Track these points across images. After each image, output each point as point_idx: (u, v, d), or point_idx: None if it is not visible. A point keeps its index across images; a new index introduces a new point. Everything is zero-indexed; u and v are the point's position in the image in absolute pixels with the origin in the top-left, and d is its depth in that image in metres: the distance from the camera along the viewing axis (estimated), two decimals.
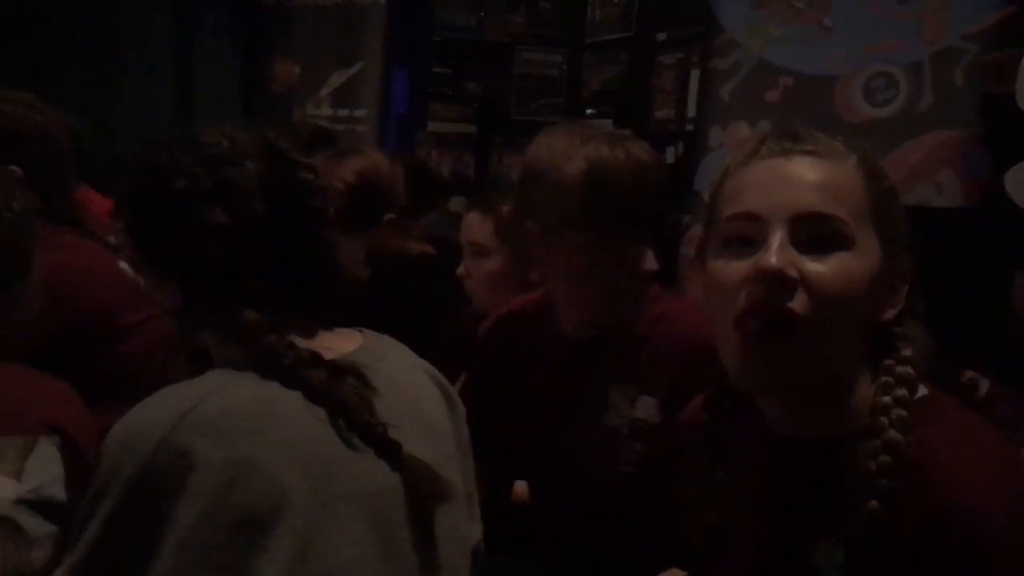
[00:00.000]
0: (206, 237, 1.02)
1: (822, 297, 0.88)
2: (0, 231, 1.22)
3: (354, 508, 1.00)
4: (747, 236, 0.92)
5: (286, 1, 4.68)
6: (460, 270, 2.00)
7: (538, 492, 1.56)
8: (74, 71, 5.29)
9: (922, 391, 0.94)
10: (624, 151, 1.39)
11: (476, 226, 2.00)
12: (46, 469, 1.18)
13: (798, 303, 0.88)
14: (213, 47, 5.36)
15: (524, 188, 1.45)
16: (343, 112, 4.52)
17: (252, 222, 1.04)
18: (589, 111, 4.08)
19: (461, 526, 1.11)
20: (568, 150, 1.38)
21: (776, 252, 0.88)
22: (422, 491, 1.04)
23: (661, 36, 3.57)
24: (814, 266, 0.89)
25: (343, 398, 1.02)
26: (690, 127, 3.31)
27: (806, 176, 0.92)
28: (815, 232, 0.90)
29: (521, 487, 1.65)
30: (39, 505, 1.17)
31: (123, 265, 1.83)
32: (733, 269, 0.91)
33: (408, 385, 1.12)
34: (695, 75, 3.32)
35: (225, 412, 0.97)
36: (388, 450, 1.03)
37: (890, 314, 0.95)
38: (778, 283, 0.88)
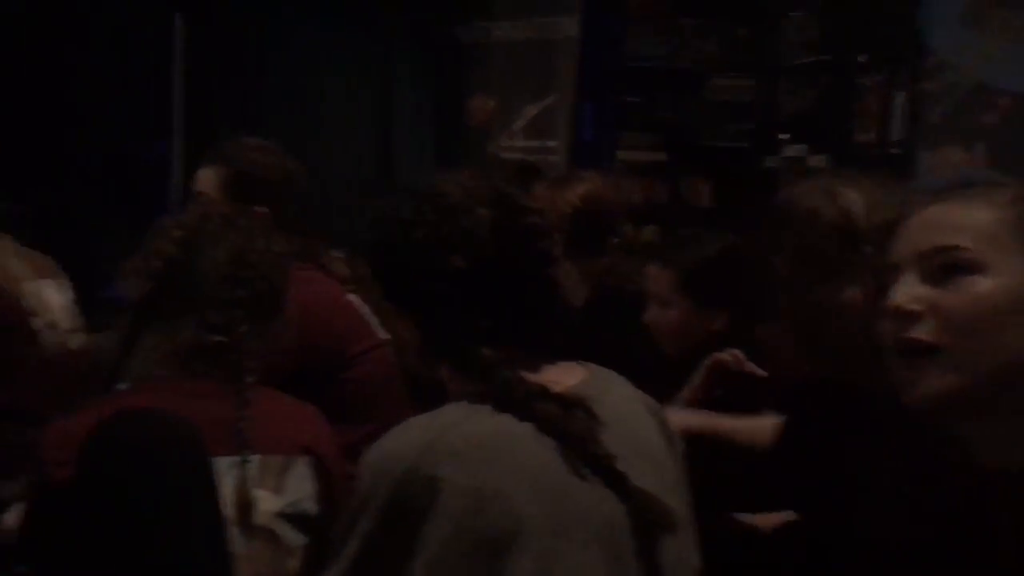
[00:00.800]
0: (444, 281, 1.12)
1: (952, 321, 0.94)
2: (263, 271, 1.37)
3: (586, 536, 1.05)
4: (891, 285, 1.00)
5: (483, 39, 4.88)
6: (645, 318, 2.02)
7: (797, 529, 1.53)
8: (282, 109, 5.71)
9: None
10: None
11: (655, 277, 2.02)
12: (301, 486, 1.31)
13: (925, 331, 0.95)
14: (411, 84, 5.65)
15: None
16: (535, 143, 4.65)
17: (486, 266, 1.12)
18: (783, 136, 4.02)
19: (685, 555, 1.15)
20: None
21: (898, 291, 0.97)
22: (648, 521, 1.08)
23: (863, 58, 3.47)
24: (940, 295, 0.95)
25: (572, 430, 1.07)
26: (895, 151, 3.21)
27: (928, 220, 1.01)
28: (941, 264, 0.96)
29: (766, 519, 1.63)
30: (295, 518, 1.29)
31: (351, 298, 1.98)
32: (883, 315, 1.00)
33: (630, 417, 1.17)
34: (900, 97, 3.22)
35: (467, 441, 1.05)
36: (615, 480, 1.07)
37: None
38: (901, 318, 0.96)
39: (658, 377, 1.77)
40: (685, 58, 4.37)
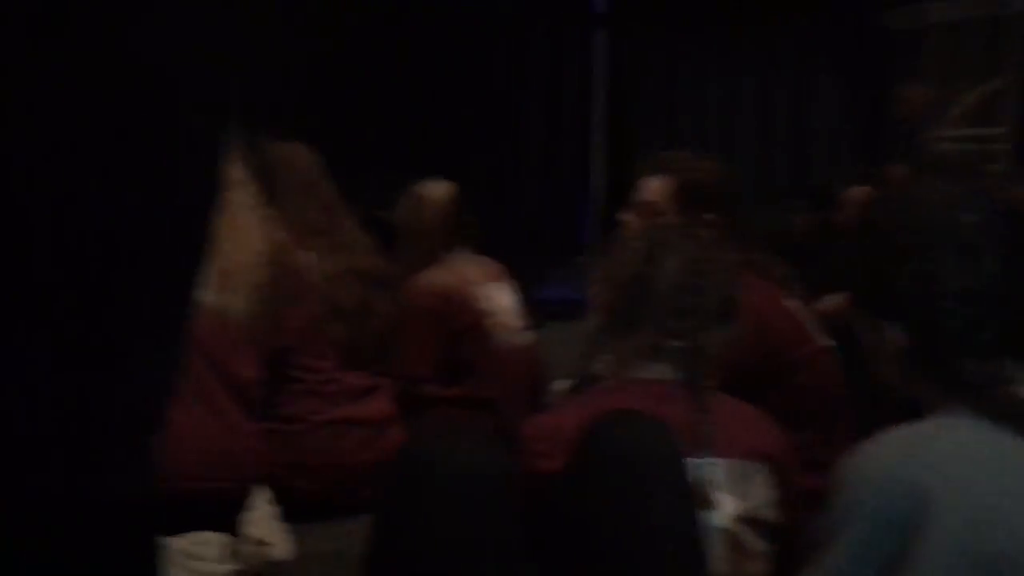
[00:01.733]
0: (937, 292, 1.06)
1: None
2: (717, 279, 1.40)
3: None
4: None
5: (916, 23, 4.55)
6: None
7: None
8: (695, 113, 5.79)
9: None
10: None
11: None
12: (760, 491, 1.31)
13: None
14: (831, 77, 5.44)
15: None
16: (975, 132, 4.24)
17: (980, 276, 1.05)
18: None
19: None
20: None
21: None
22: None
23: None
24: None
25: None
26: None
27: None
28: None
29: None
30: (755, 523, 1.30)
31: (789, 303, 1.95)
32: None
33: None
34: None
35: (955, 455, 0.99)
36: None
37: None
38: None
39: None
40: None
